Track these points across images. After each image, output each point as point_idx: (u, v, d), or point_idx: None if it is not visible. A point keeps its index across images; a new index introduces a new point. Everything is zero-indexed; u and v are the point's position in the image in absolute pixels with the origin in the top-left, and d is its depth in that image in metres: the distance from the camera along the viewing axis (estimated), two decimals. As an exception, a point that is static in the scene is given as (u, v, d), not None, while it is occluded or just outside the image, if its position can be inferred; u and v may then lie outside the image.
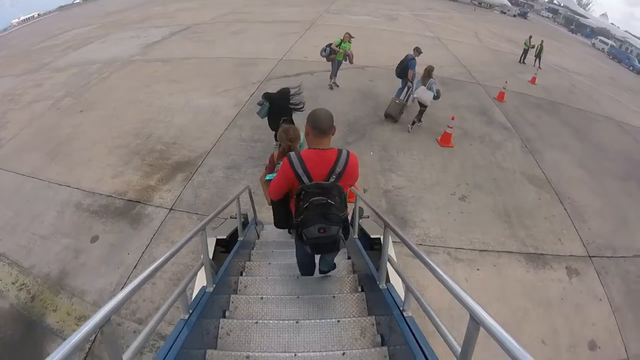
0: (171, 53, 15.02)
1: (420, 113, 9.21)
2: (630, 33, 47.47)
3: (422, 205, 6.95)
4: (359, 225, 4.43)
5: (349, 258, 4.27)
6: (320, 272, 3.59)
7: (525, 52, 18.63)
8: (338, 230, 2.40)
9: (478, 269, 5.92)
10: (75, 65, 13.88)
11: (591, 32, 43.36)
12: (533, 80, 15.52)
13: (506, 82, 13.24)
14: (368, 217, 5.04)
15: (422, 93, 8.77)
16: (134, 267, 5.53)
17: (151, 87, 11.47)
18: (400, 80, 9.85)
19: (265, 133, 8.21)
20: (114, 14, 25.78)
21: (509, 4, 44.38)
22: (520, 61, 18.78)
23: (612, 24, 51.05)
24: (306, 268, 3.50)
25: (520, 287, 5.76)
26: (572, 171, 9.05)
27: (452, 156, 8.62)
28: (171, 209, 6.56)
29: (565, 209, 7.52)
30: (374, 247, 4.00)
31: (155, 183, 7.19)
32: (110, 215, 6.48)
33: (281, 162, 2.67)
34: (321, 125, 2.50)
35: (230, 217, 5.10)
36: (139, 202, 6.75)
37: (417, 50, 9.55)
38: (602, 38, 40.21)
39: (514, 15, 42.94)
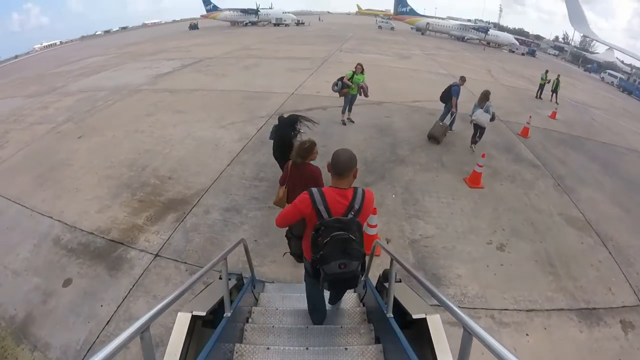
0: (179, 84, 14.57)
1: (480, 134, 9.50)
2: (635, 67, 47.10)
3: (456, 258, 5.73)
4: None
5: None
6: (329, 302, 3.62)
7: (542, 87, 17.85)
8: (358, 266, 2.40)
9: (527, 334, 4.75)
10: (84, 90, 13.67)
11: (598, 67, 42.77)
12: (553, 115, 14.69)
13: (530, 116, 12.34)
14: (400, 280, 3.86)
15: (480, 115, 9.03)
16: (107, 323, 4.45)
17: (154, 117, 10.75)
18: (444, 105, 10.27)
19: (272, 171, 7.19)
20: (131, 45, 26.22)
21: (517, 42, 44.47)
22: (536, 96, 18.00)
23: (617, 58, 51.09)
24: (317, 313, 3.43)
25: (576, 352, 4.61)
26: (609, 209, 7.86)
27: (483, 199, 7.44)
28: (157, 255, 5.46)
29: (610, 253, 6.36)
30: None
31: (143, 222, 6.14)
32: (88, 257, 5.48)
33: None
34: (339, 169, 2.55)
35: (220, 278, 3.38)
36: (122, 243, 5.69)
37: (462, 79, 10.09)
38: (611, 72, 39.85)
39: (523, 54, 42.97)
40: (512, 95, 17.57)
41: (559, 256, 6.12)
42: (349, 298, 4.13)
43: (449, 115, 10.29)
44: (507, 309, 5.03)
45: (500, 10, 73.79)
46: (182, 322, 2.60)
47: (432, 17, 65.09)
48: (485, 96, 9.16)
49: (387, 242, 5.83)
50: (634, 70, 45.91)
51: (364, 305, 3.86)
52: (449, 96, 10.06)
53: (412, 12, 64.06)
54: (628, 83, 37.13)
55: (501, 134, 11.65)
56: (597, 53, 50.75)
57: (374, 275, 4.36)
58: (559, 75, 18.01)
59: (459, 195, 7.43)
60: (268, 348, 2.88)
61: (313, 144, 4.42)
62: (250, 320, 3.57)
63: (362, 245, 2.42)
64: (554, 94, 17.83)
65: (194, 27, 57.99)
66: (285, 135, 5.92)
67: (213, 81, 15.03)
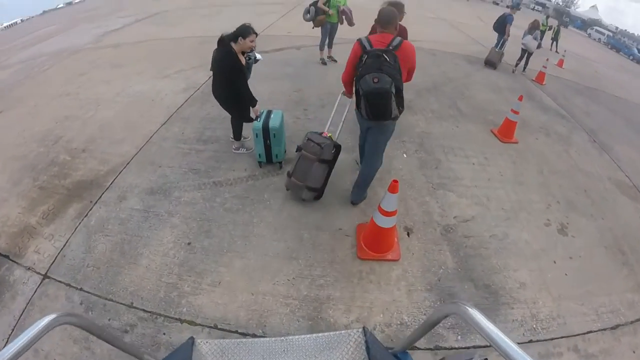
0: (126, 38, 11.57)
1: (527, 59, 10.04)
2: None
3: (512, 253, 3.49)
4: None
5: None
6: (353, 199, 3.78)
7: (542, 33, 15.36)
8: (389, 84, 2.70)
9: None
10: (24, 61, 10.48)
11: (582, 24, 40.63)
12: (560, 64, 12.74)
13: (547, 59, 10.21)
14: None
15: (530, 41, 9.69)
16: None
17: (87, 76, 7.82)
18: (497, 34, 10.44)
19: (223, 127, 4.77)
20: (90, 11, 22.65)
21: None
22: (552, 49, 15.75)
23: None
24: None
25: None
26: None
27: (523, 158, 5.20)
28: (45, 276, 3.04)
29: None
30: None
31: (38, 221, 3.60)
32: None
33: None
34: (381, 21, 2.93)
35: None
36: (7, 257, 3.24)
37: (515, 8, 10.39)
38: (598, 28, 37.50)
39: (507, 6, 39.71)
40: (511, 40, 15.22)
41: (625, 237, 4.13)
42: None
43: (502, 42, 10.20)
44: (590, 331, 3.01)
45: None
46: None
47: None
48: (534, 25, 9.86)
49: (408, 235, 3.49)
50: (618, 29, 43.99)
51: None
52: (502, 24, 10.16)
53: None
54: (616, 40, 34.96)
55: (516, 79, 9.51)
56: (578, 9, 49.05)
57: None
58: (559, 24, 16.24)
59: (492, 153, 5.13)
60: None
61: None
62: None
63: (396, 73, 2.75)
64: (554, 42, 16.01)
65: None
66: (226, 62, 3.67)
67: (165, 30, 12.09)
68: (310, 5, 6.85)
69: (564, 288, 3.26)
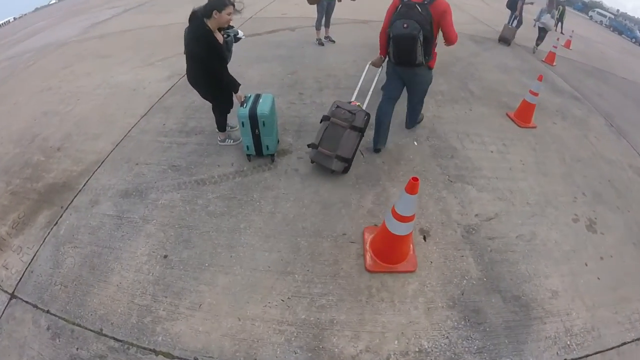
0: (114, 28, 10.93)
1: (542, 38, 9.71)
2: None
3: (542, 255, 2.98)
4: None
5: None
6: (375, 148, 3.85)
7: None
8: (418, 32, 2.92)
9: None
10: (11, 57, 9.91)
11: (584, 6, 39.53)
12: (568, 44, 11.97)
13: (557, 39, 9.67)
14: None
15: (548, 20, 9.51)
16: None
17: (70, 68, 7.24)
18: (510, 11, 10.58)
19: (208, 117, 4.13)
20: (82, 3, 21.85)
21: None
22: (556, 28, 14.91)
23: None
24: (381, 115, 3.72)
25: None
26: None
27: (543, 144, 4.64)
28: (13, 295, 2.57)
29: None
30: None
31: (8, 231, 3.10)
32: None
33: None
34: None
35: None
36: None
37: None
38: (600, 10, 36.11)
39: None
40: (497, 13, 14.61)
41: (651, 231, 3.63)
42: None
43: (514, 19, 10.29)
44: (624, 343, 2.62)
45: None
46: None
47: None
48: (552, 2, 9.55)
49: (425, 239, 2.93)
50: (619, 12, 42.67)
51: None
52: (514, 1, 10.33)
53: None
54: (619, 23, 33.32)
55: (524, 59, 8.85)
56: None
57: None
58: (564, 5, 15.16)
59: (510, 139, 4.56)
60: None
61: None
62: None
63: (427, 24, 2.95)
64: (560, 23, 15.13)
65: None
66: (201, 41, 3.08)
67: (153, 19, 11.41)
68: None
69: (597, 294, 2.80)
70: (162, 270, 2.63)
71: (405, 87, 3.65)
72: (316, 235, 2.90)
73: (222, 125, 3.77)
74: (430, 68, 3.41)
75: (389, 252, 2.56)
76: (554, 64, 9.04)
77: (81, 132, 4.47)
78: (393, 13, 3.13)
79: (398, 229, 2.31)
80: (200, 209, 3.12)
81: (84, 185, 3.49)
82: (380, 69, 3.86)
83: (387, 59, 3.51)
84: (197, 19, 2.98)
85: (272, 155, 3.63)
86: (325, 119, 3.45)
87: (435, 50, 3.35)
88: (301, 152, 3.86)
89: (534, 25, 9.68)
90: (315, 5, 6.60)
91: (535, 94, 4.88)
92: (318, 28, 7.03)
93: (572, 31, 12.82)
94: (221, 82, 3.26)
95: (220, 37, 3.14)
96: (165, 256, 2.73)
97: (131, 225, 3.01)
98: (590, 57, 11.88)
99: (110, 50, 8.11)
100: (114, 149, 4.01)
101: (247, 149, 3.53)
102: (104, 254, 2.77)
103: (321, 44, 7.16)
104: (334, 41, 7.31)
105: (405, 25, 2.93)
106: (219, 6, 2.95)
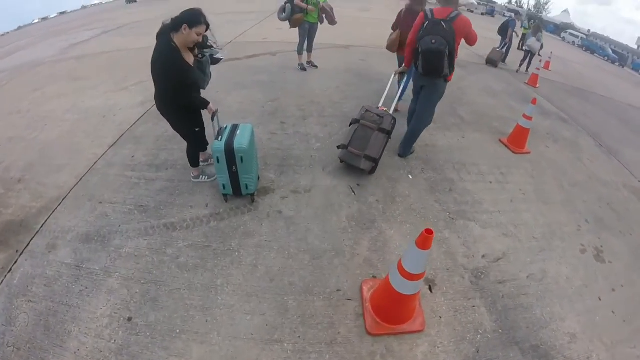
0: (91, 50, 10.67)
1: (530, 61, 10.51)
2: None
3: (555, 295, 2.74)
4: None
5: None
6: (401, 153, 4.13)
7: (524, 37, 15.06)
8: (445, 47, 3.26)
9: None
10: None
11: (556, 28, 41.24)
12: (547, 65, 12.21)
13: (540, 61, 10.25)
14: None
15: (533, 43, 10.17)
16: None
17: (42, 90, 6.88)
18: (500, 37, 11.43)
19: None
20: (64, 24, 21.54)
21: (476, 2, 42.30)
22: (519, 48, 15.12)
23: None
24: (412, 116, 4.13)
25: None
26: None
27: (539, 170, 4.50)
28: None
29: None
30: None
31: None
32: None
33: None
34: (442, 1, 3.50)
35: None
36: None
37: (517, 14, 11.13)
38: (572, 31, 37.85)
39: (482, 14, 40.12)
40: (493, 45, 14.81)
41: (653, 254, 3.59)
42: None
43: (504, 44, 11.12)
44: None
45: None
46: None
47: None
48: (538, 27, 10.59)
49: (431, 289, 2.58)
50: (590, 32, 44.67)
51: None
52: (505, 29, 11.23)
53: None
54: (591, 42, 35.04)
55: (508, 82, 8.99)
56: (549, 15, 49.96)
57: None
58: (540, 27, 15.44)
59: (507, 167, 4.38)
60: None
61: None
62: None
63: (451, 41, 3.28)
64: (521, 43, 15.17)
65: (131, 0, 50.51)
66: (164, 59, 2.65)
67: (131, 41, 11.07)
68: (285, 3, 6.01)
69: (614, 331, 2.59)
70: (126, 336, 2.20)
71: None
72: (306, 292, 2.48)
73: (194, 159, 3.38)
74: (447, 81, 3.69)
75: (394, 312, 2.19)
76: (537, 85, 9.21)
77: (45, 162, 4.07)
78: (419, 29, 3.48)
79: (405, 287, 1.96)
80: (170, 261, 2.68)
81: (41, 226, 3.06)
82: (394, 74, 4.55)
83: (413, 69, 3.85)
84: (164, 34, 2.60)
85: (252, 194, 3.21)
86: (354, 121, 3.73)
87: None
88: (285, 191, 3.46)
89: (518, 48, 10.43)
90: (297, 29, 6.40)
91: (529, 118, 4.77)
92: (300, 53, 6.82)
93: (551, 52, 13.11)
94: (189, 112, 2.90)
95: (190, 57, 2.77)
96: (130, 319, 2.31)
97: (91, 278, 2.57)
98: (569, 77, 12.37)
99: (85, 73, 7.80)
100: (77, 183, 3.59)
101: (224, 188, 3.10)
102: (61, 312, 2.32)
103: (303, 69, 6.93)
104: (316, 66, 7.12)
105: (433, 41, 3.28)
106: (191, 21, 2.56)
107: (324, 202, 3.25)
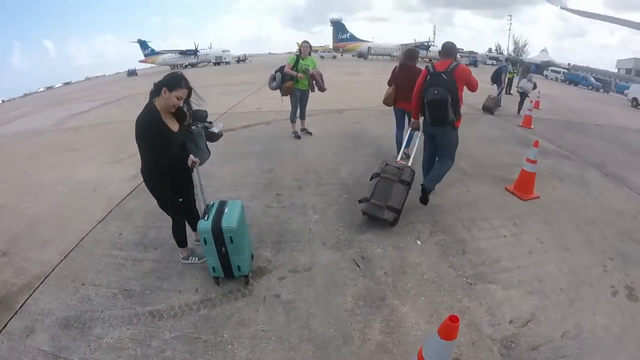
0: (90, 120, 11.29)
1: (521, 102, 10.92)
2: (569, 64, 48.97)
3: (597, 351, 2.39)
4: None
5: None
6: (422, 197, 3.97)
7: (510, 81, 15.83)
8: (446, 95, 3.61)
9: None
10: None
11: (537, 67, 43.03)
12: (537, 105, 12.37)
13: (531, 101, 10.56)
14: None
15: (525, 84, 10.83)
16: None
17: (37, 160, 7.20)
18: (495, 85, 12.10)
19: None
20: (68, 94, 22.74)
21: (459, 55, 44.97)
22: (506, 92, 15.64)
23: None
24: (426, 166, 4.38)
25: None
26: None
27: (552, 214, 4.28)
28: None
29: None
30: None
31: None
32: None
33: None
34: (442, 53, 3.93)
35: None
36: None
37: (508, 61, 12.67)
38: (553, 68, 39.81)
39: (466, 64, 42.31)
40: (481, 93, 15.18)
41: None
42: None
43: (501, 90, 11.77)
44: None
45: (434, 31, 73.68)
46: None
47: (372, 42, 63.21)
48: (527, 69, 11.87)
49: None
50: (570, 65, 46.72)
51: None
52: (498, 75, 12.10)
53: (352, 39, 62.67)
54: (573, 75, 36.62)
55: (502, 127, 9.15)
56: (529, 56, 52.53)
57: None
58: (522, 68, 16.29)
59: (519, 217, 4.15)
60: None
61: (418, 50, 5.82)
62: None
63: (453, 90, 3.64)
64: (508, 88, 15.95)
65: (131, 73, 53.28)
66: (141, 123, 2.64)
67: (129, 113, 11.28)
68: (275, 72, 6.19)
69: None
70: None
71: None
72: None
73: (181, 239, 3.15)
74: (455, 127, 3.94)
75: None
76: (532, 126, 9.33)
77: (31, 236, 3.99)
78: (423, 82, 3.82)
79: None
80: (155, 355, 2.34)
81: (21, 306, 2.83)
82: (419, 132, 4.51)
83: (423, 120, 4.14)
84: (149, 99, 2.59)
85: (246, 276, 2.93)
86: (375, 175, 3.91)
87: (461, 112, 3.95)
88: (283, 271, 3.15)
89: (506, 93, 11.08)
90: (288, 97, 6.53)
91: (534, 162, 4.65)
92: (293, 120, 6.90)
93: (539, 91, 13.39)
94: (173, 177, 2.77)
95: (175, 124, 2.69)
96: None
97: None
98: (560, 113, 12.43)
99: (80, 143, 8.01)
100: (61, 261, 3.41)
101: (214, 270, 2.84)
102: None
103: (297, 137, 6.97)
104: (310, 133, 7.17)
105: (435, 92, 3.63)
106: (171, 84, 2.52)
107: (327, 280, 2.94)
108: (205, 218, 2.67)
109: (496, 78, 12.11)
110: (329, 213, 4.11)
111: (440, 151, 4.16)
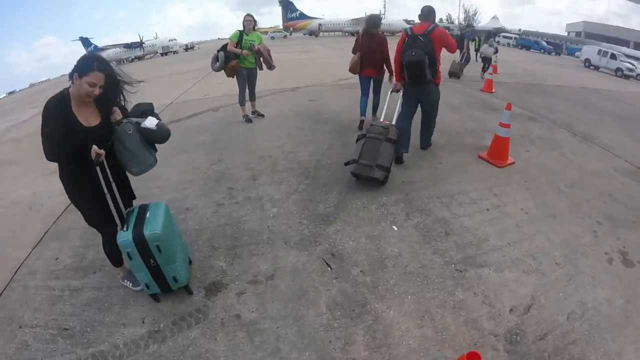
0: (33, 129, 9.55)
1: (486, 66, 11.50)
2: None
3: (603, 328, 2.21)
4: None
5: None
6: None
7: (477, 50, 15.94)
8: (424, 57, 3.83)
9: None
10: None
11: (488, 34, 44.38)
12: (495, 69, 12.64)
13: (491, 66, 11.13)
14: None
15: (486, 49, 11.55)
16: None
17: None
18: (459, 51, 11.30)
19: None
20: (12, 103, 21.24)
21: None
22: (475, 59, 15.84)
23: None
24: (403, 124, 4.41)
25: None
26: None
27: (532, 180, 4.09)
28: None
29: None
30: None
31: None
32: None
33: None
34: (421, 17, 4.15)
35: None
36: None
37: (471, 27, 13.57)
38: (505, 34, 41.01)
39: (468, 26, 43.57)
40: (443, 59, 15.08)
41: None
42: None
43: (463, 55, 12.11)
44: None
45: (384, 4, 73.42)
46: None
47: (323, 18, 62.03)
48: (489, 34, 12.85)
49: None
50: (521, 30, 48.14)
51: None
52: (461, 41, 12.04)
53: (302, 16, 61.07)
54: (525, 39, 37.86)
55: (464, 93, 9.03)
56: (480, 24, 53.55)
57: None
58: (479, 37, 16.83)
59: (498, 186, 3.91)
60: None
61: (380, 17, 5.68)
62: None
63: (430, 47, 3.88)
64: (477, 53, 15.75)
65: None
66: (49, 105, 2.08)
67: None
68: (218, 51, 5.53)
69: None
70: None
71: (419, 105, 4.49)
72: None
73: (114, 257, 2.55)
74: (436, 84, 4.28)
75: None
76: (493, 90, 9.36)
77: None
78: (402, 45, 4.10)
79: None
80: None
81: None
82: (389, 93, 4.79)
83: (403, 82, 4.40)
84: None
85: (186, 286, 2.43)
86: (361, 136, 3.95)
87: (440, 69, 4.26)
88: (241, 284, 2.59)
89: (480, 56, 11.97)
90: (235, 78, 5.90)
91: (507, 126, 4.41)
92: (242, 103, 6.20)
93: (496, 56, 13.38)
94: (84, 172, 2.20)
95: (93, 117, 2.13)
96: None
97: None
98: (518, 76, 12.74)
99: (21, 157, 6.90)
100: None
101: (147, 288, 2.34)
102: None
103: (249, 120, 6.31)
104: (262, 115, 6.52)
105: (413, 54, 3.87)
106: (81, 68, 1.95)
107: (294, 289, 2.46)
108: (125, 228, 2.16)
109: (459, 44, 12.00)
110: (289, 204, 3.58)
111: (425, 107, 4.47)
